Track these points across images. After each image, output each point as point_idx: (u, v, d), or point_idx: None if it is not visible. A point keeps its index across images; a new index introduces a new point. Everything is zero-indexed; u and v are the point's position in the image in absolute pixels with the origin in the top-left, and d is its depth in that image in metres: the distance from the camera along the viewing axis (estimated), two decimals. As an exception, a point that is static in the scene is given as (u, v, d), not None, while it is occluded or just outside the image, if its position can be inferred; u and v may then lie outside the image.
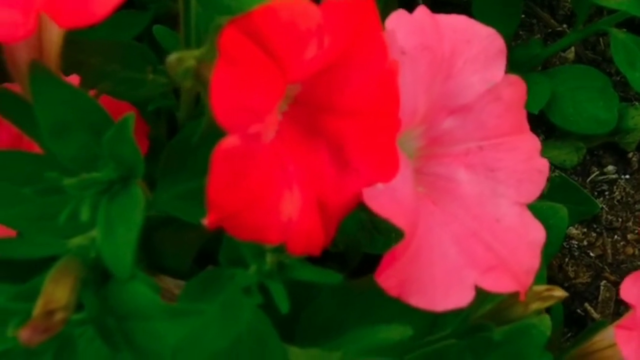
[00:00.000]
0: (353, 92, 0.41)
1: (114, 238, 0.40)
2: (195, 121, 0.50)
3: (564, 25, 1.01)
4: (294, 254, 0.40)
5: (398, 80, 0.42)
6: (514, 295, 0.52)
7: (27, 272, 0.40)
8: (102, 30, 0.44)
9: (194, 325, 0.38)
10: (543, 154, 0.55)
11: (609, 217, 0.91)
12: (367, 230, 0.65)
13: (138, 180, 0.42)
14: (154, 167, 0.50)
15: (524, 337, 0.52)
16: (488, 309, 0.55)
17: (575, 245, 0.90)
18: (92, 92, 0.52)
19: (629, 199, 0.92)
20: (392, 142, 0.43)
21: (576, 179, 0.92)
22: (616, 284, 0.87)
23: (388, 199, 0.44)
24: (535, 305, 0.53)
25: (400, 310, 0.49)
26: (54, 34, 0.48)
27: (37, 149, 0.53)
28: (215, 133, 0.37)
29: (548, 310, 0.57)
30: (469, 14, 0.86)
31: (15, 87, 0.51)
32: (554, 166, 0.92)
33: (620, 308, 0.86)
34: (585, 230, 0.91)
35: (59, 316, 0.37)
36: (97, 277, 0.41)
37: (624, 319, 0.63)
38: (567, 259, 0.89)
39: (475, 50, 0.51)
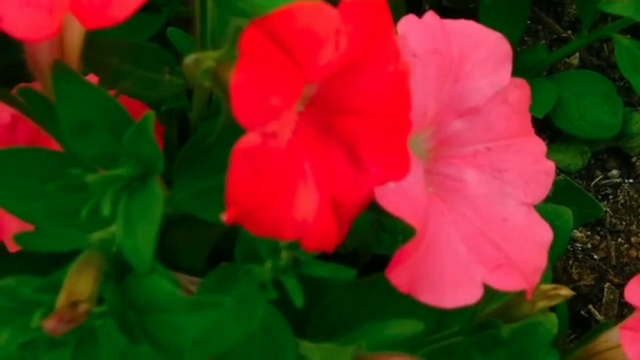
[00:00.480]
0: (367, 93, 0.42)
1: (134, 233, 0.41)
2: (209, 121, 0.51)
3: (569, 32, 1.02)
4: (308, 250, 0.41)
5: (410, 83, 0.43)
6: (521, 294, 0.52)
7: (50, 265, 0.41)
8: (117, 32, 0.45)
9: (212, 319, 0.39)
10: (548, 157, 0.56)
11: (613, 220, 0.92)
12: (374, 230, 0.66)
13: (157, 177, 0.43)
14: (169, 166, 0.51)
15: (531, 334, 0.53)
16: (495, 307, 0.56)
17: (580, 248, 0.91)
18: (111, 93, 0.53)
19: (633, 202, 0.93)
20: (404, 143, 0.44)
21: (581, 182, 0.93)
22: (620, 287, 0.88)
23: (400, 198, 0.45)
24: (542, 304, 0.54)
25: (409, 307, 0.50)
26: (76, 35, 0.49)
27: (54, 146, 0.54)
28: (231, 133, 0.38)
29: (553, 311, 0.58)
30: (475, 20, 0.87)
31: (36, 86, 0.52)
32: (558, 170, 0.93)
33: (623, 310, 0.87)
34: (589, 233, 0.91)
35: (82, 308, 0.38)
36: (117, 271, 0.42)
37: (630, 320, 0.63)
38: (571, 262, 0.90)
39: (483, 54, 0.52)
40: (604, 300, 0.88)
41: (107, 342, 0.42)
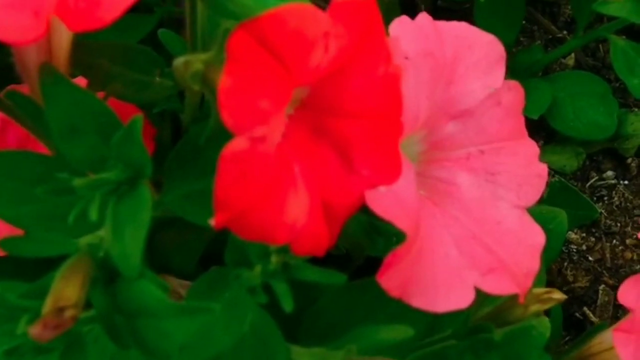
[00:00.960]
0: (358, 96, 0.42)
1: (122, 237, 0.41)
2: (201, 123, 0.50)
3: (565, 32, 1.02)
4: (299, 254, 0.41)
5: (401, 85, 0.43)
6: (514, 298, 0.52)
7: (37, 270, 0.41)
8: (108, 33, 0.45)
9: (200, 324, 0.39)
10: (543, 158, 0.56)
11: (608, 222, 0.92)
12: (367, 233, 0.66)
13: (145, 181, 0.43)
14: (159, 169, 0.51)
15: (524, 338, 0.53)
16: (488, 311, 0.56)
17: (574, 250, 0.91)
18: (100, 95, 0.53)
19: (628, 204, 0.93)
20: (396, 146, 0.43)
21: (576, 184, 0.93)
22: (615, 288, 0.88)
23: (391, 202, 0.45)
24: (535, 308, 0.54)
25: (402, 311, 0.50)
26: (63, 37, 0.48)
27: (43, 150, 0.54)
28: (221, 135, 0.38)
29: (547, 313, 0.57)
30: (471, 20, 0.87)
31: (24, 89, 0.52)
32: (553, 171, 0.93)
33: (618, 312, 0.87)
34: (584, 234, 0.91)
35: (69, 313, 0.37)
36: (105, 275, 0.42)
37: (622, 322, 0.63)
38: (566, 263, 0.90)
39: (477, 56, 0.52)
40: (598, 302, 0.88)
41: (95, 348, 0.42)
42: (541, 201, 0.56)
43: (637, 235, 0.91)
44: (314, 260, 0.46)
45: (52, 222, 0.44)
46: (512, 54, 0.93)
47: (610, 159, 0.96)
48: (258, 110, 0.36)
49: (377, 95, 0.42)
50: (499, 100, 0.52)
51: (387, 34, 0.44)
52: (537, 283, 0.53)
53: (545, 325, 0.54)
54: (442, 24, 0.50)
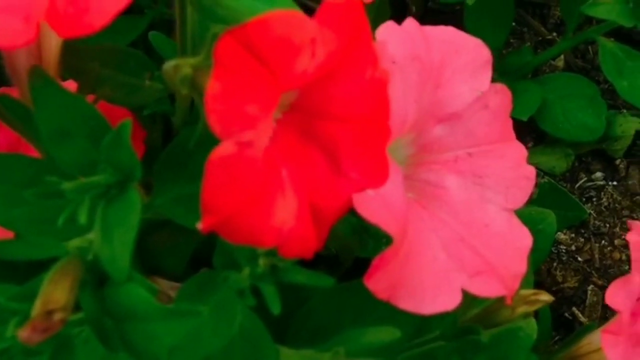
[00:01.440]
0: (345, 100, 0.43)
1: (111, 241, 0.41)
2: (190, 127, 0.51)
3: (554, 34, 1.02)
4: (287, 257, 0.41)
5: (388, 89, 0.43)
6: (501, 299, 0.53)
7: (26, 273, 0.41)
8: (99, 35, 0.45)
9: (189, 327, 0.39)
10: (533, 160, 0.56)
11: (597, 222, 0.93)
12: (357, 234, 0.66)
13: (135, 184, 0.43)
14: (150, 171, 0.51)
15: (511, 339, 0.53)
16: (476, 313, 0.56)
17: (564, 250, 0.91)
18: (90, 98, 0.53)
19: (616, 205, 0.94)
20: (383, 149, 0.44)
21: (565, 185, 0.94)
22: (603, 289, 0.88)
23: (378, 205, 0.45)
24: (522, 309, 0.54)
25: (390, 313, 0.50)
26: (53, 41, 0.49)
27: (34, 153, 0.54)
28: (211, 139, 0.38)
29: (536, 314, 0.58)
30: (461, 22, 0.87)
31: (14, 92, 0.52)
32: (543, 172, 0.93)
33: (607, 312, 0.88)
34: (573, 235, 0.92)
35: (58, 316, 0.38)
36: (94, 278, 0.42)
37: (610, 324, 0.64)
38: (555, 264, 0.90)
39: (464, 60, 0.52)
40: (587, 302, 0.88)
41: (84, 350, 0.42)
42: (531, 202, 0.56)
43: (625, 236, 0.92)
44: (304, 262, 0.46)
45: (42, 225, 0.45)
46: (502, 56, 0.94)
47: (599, 160, 0.96)
48: (245, 116, 0.37)
49: (365, 99, 0.43)
50: (486, 103, 0.53)
51: (375, 38, 0.45)
52: (524, 285, 0.53)
53: (532, 327, 0.54)
54: (429, 29, 0.51)
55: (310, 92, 0.42)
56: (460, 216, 0.52)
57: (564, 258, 0.91)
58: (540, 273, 0.88)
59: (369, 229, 0.66)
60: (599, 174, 0.95)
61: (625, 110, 0.97)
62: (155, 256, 0.57)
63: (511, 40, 1.01)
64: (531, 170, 0.55)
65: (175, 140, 0.52)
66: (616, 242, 0.92)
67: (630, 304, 0.62)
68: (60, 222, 0.42)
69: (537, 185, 0.84)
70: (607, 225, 0.93)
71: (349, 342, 0.48)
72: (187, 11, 0.50)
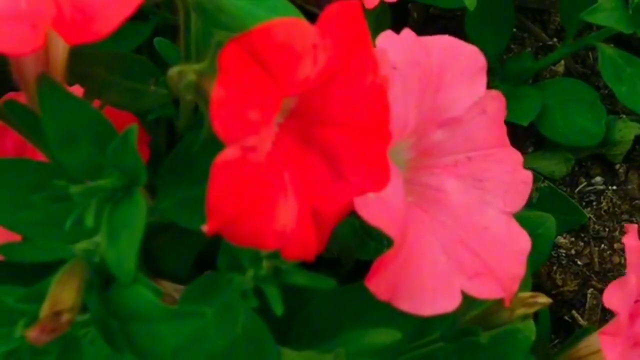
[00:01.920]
0: (346, 105, 0.43)
1: (117, 243, 0.42)
2: (195, 131, 0.51)
3: (555, 39, 1.03)
4: (289, 259, 0.42)
5: (389, 94, 0.44)
6: (500, 302, 0.53)
7: (34, 275, 0.42)
8: (104, 41, 0.45)
9: (193, 327, 0.40)
10: (533, 164, 0.57)
11: (597, 226, 0.93)
12: (359, 236, 0.67)
13: (140, 188, 0.44)
14: (154, 175, 0.52)
15: (510, 341, 0.54)
16: (475, 314, 0.56)
17: (563, 254, 0.92)
18: (96, 103, 0.54)
19: (616, 209, 0.94)
20: (384, 154, 0.44)
21: (565, 189, 0.94)
22: (602, 292, 0.88)
23: (379, 209, 0.46)
24: (521, 311, 0.55)
25: (390, 315, 0.50)
26: (60, 47, 0.49)
27: (40, 157, 0.55)
28: (215, 143, 0.39)
29: (536, 317, 0.58)
30: (462, 28, 0.88)
31: (20, 97, 0.53)
32: (543, 177, 0.93)
33: (606, 315, 0.88)
34: (573, 239, 0.92)
35: (65, 317, 0.38)
36: (100, 280, 0.43)
37: (609, 326, 0.64)
38: (555, 267, 0.91)
39: (462, 66, 0.53)
40: (587, 305, 0.89)
41: (90, 351, 0.42)
42: (531, 206, 0.57)
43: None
44: (306, 265, 0.47)
45: (49, 228, 0.45)
46: (503, 61, 0.95)
47: (598, 164, 0.97)
48: (249, 121, 0.37)
49: (365, 104, 0.44)
50: (483, 108, 0.54)
51: (374, 44, 0.45)
52: (523, 287, 0.54)
53: (530, 329, 0.55)
54: (426, 38, 0.52)
55: (312, 97, 0.43)
56: (460, 219, 0.53)
57: (563, 262, 0.91)
58: (540, 276, 0.89)
59: (370, 231, 0.67)
60: (598, 179, 0.96)
61: (624, 116, 0.98)
62: (160, 258, 0.58)
63: (512, 46, 1.02)
64: (528, 175, 0.56)
65: (179, 144, 0.53)
66: (615, 246, 0.92)
67: (628, 306, 0.63)
68: (68, 225, 0.43)
69: (537, 189, 0.85)
70: (607, 229, 0.93)
71: (350, 344, 0.48)
72: (191, 18, 0.50)
